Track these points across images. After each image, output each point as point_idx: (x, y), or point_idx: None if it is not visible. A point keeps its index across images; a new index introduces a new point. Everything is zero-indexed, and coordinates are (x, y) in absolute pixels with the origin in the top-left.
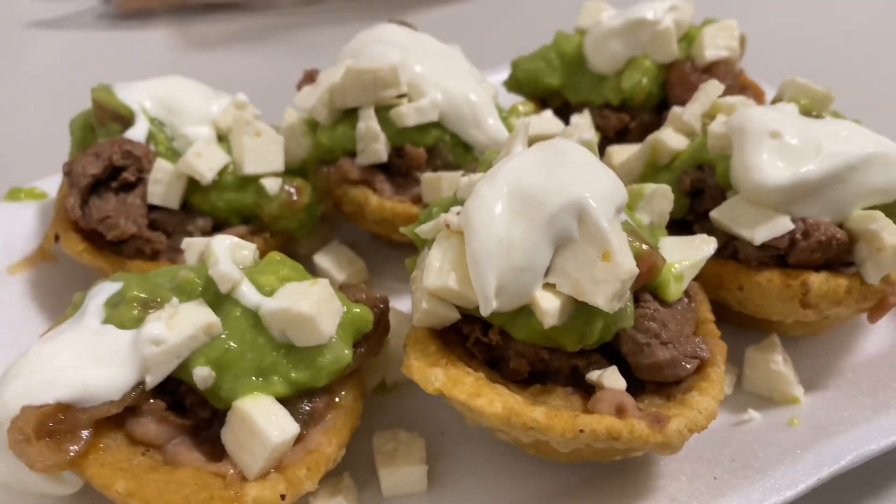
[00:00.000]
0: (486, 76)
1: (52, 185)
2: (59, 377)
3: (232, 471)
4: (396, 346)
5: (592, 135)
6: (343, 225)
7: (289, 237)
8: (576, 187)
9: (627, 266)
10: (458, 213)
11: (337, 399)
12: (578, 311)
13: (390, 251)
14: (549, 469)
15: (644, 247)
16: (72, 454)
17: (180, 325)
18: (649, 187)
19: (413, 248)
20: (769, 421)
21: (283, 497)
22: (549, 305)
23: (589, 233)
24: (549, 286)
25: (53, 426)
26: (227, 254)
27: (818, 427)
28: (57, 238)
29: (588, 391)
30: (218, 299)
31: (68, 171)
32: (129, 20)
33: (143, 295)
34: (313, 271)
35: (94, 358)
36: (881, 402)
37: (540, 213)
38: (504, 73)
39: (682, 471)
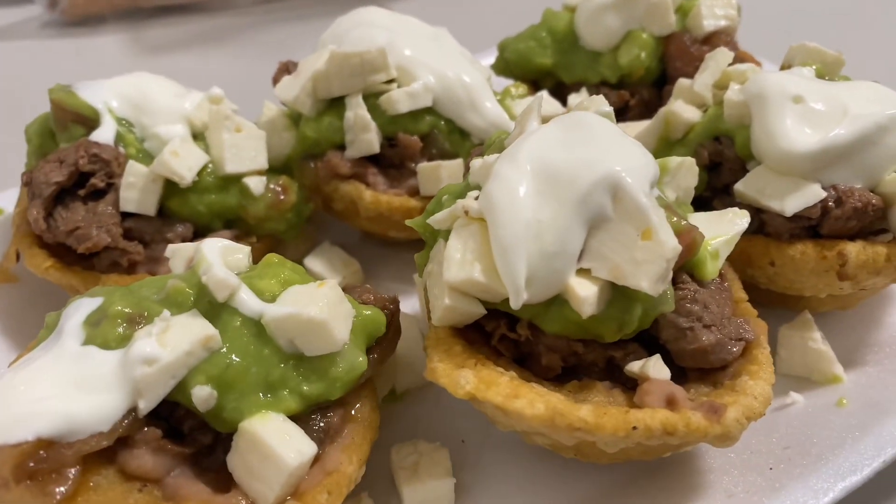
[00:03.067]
0: None
1: (8, 199)
2: (38, 409)
3: (244, 502)
4: (403, 350)
5: (609, 107)
6: (330, 225)
7: (275, 241)
8: (607, 162)
9: (672, 244)
10: (477, 198)
11: (353, 412)
12: (616, 296)
13: (384, 250)
14: (587, 471)
15: (682, 222)
16: (58, 497)
17: (174, 339)
18: (674, 160)
19: (412, 245)
20: (815, 403)
21: None
22: (585, 293)
23: (626, 210)
24: (583, 271)
25: (35, 466)
26: (220, 258)
27: (872, 405)
28: (18, 257)
29: (626, 384)
30: (213, 309)
31: (28, 181)
32: (78, 27)
33: (127, 310)
34: None
35: (76, 385)
36: None
37: (570, 191)
38: (489, 58)
39: (733, 463)
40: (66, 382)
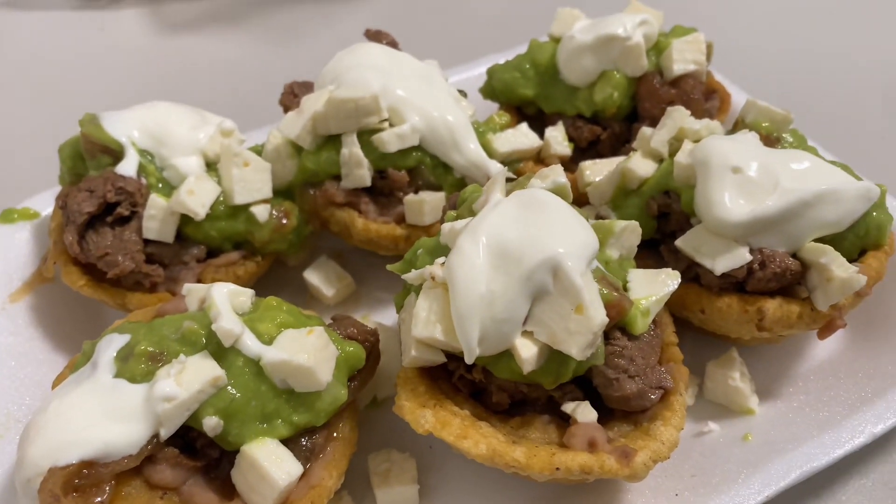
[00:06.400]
0: (460, 72)
1: (42, 203)
2: (81, 437)
3: None
4: (385, 363)
5: (565, 179)
6: (329, 235)
7: (279, 255)
8: (551, 243)
9: (599, 319)
10: (443, 265)
11: (335, 433)
12: (554, 354)
13: (376, 258)
14: (528, 482)
15: (613, 294)
16: None
17: (189, 380)
18: (619, 224)
19: (398, 258)
20: (727, 433)
21: None
22: (527, 354)
23: (563, 287)
24: (527, 333)
25: (79, 482)
26: (227, 303)
27: (769, 444)
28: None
29: (564, 417)
30: (221, 350)
31: (63, 206)
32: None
33: (150, 349)
34: (303, 286)
35: (110, 415)
36: (824, 417)
37: (518, 268)
38: (479, 68)
39: (647, 485)
40: (101, 412)
